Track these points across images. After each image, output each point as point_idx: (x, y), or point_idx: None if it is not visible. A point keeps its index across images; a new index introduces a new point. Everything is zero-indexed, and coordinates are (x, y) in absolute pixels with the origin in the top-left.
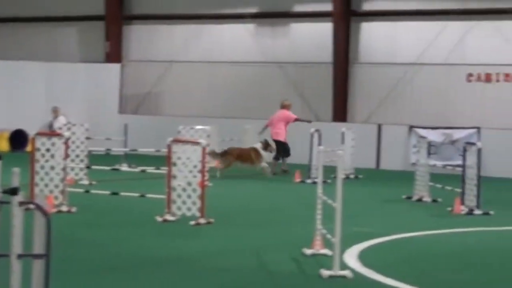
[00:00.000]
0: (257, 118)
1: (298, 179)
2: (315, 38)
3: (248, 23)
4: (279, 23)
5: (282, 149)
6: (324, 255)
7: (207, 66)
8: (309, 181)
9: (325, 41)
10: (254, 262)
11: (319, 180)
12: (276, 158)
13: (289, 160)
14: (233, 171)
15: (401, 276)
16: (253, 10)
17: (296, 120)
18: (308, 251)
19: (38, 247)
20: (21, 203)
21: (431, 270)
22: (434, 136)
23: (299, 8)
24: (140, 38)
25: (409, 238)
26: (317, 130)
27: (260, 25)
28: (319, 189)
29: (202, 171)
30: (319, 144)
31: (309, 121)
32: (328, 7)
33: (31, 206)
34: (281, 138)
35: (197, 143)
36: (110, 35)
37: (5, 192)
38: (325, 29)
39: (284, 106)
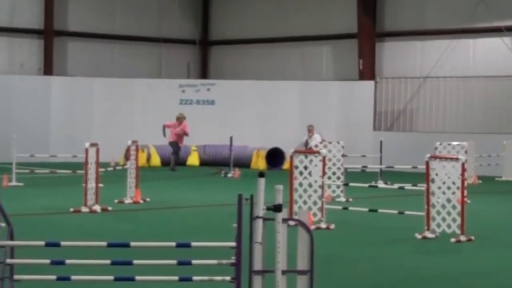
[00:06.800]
0: None
1: None
2: None
3: (504, 36)
4: None
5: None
6: None
7: (461, 81)
8: None
9: None
10: None
11: None
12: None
13: None
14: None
15: None
16: (509, 23)
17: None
18: None
19: (302, 263)
20: (284, 220)
21: None
22: None
23: None
24: (393, 54)
25: None
26: None
27: None
28: None
29: (461, 188)
30: None
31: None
32: None
33: (291, 222)
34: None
35: (456, 159)
36: (363, 53)
37: (269, 208)
38: None
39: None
